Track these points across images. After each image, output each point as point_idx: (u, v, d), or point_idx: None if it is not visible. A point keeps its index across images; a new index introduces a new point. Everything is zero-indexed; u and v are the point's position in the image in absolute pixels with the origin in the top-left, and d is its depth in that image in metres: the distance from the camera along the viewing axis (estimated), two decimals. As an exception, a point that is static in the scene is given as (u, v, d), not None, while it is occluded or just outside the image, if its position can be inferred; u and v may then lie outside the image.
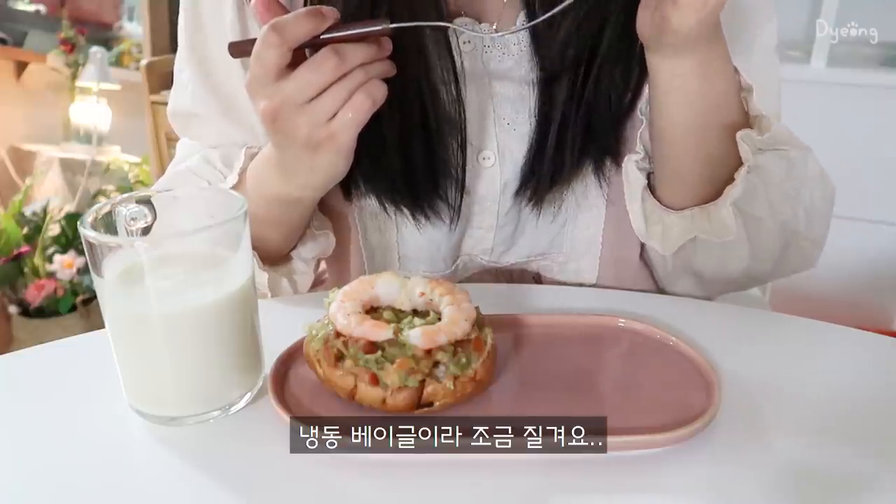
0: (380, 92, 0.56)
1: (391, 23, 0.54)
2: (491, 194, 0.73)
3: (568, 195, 0.73)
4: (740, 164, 0.64)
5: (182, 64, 0.75)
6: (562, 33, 0.65)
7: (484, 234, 0.76)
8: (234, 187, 0.68)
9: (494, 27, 0.69)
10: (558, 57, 0.66)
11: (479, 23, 0.69)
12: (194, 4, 0.73)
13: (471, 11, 0.69)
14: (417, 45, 0.65)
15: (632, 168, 0.69)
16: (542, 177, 0.70)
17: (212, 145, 0.77)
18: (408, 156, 0.68)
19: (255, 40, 0.55)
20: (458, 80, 0.67)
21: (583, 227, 0.76)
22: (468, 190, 0.73)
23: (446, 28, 0.64)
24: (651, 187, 0.71)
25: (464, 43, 0.69)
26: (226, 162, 0.74)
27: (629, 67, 0.67)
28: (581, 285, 0.78)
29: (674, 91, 0.62)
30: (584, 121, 0.68)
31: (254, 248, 0.71)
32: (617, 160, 0.71)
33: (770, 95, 0.75)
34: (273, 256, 0.72)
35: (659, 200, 0.70)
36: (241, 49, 0.57)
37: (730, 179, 0.64)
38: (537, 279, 0.80)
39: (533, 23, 0.65)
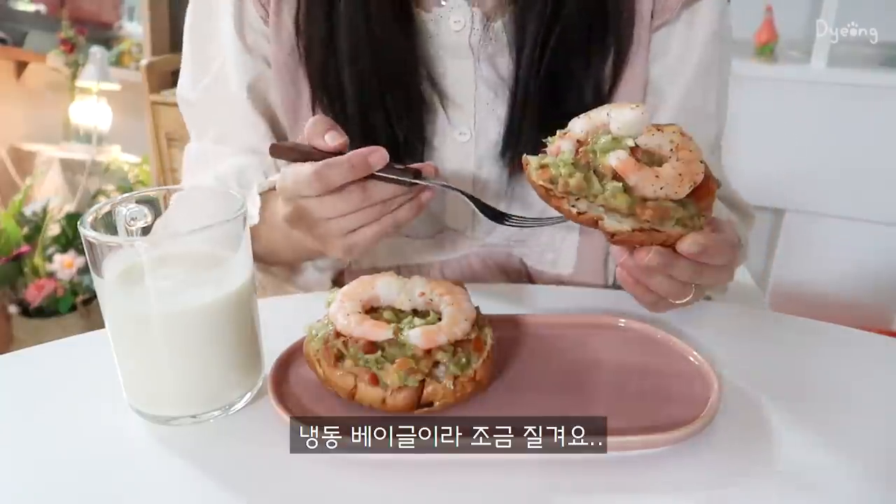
0: (406, 217, 0.59)
1: (420, 179, 0.58)
2: (465, 169, 0.76)
3: None
4: None
5: (185, 46, 0.78)
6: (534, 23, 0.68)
7: (462, 210, 0.77)
8: (255, 227, 0.71)
9: (482, 11, 0.71)
10: (526, 26, 0.68)
11: (472, 6, 0.71)
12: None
13: None
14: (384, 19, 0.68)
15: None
16: (515, 143, 0.72)
17: (215, 138, 0.78)
18: (376, 104, 0.71)
19: (295, 150, 0.59)
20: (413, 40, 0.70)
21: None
22: (441, 160, 0.75)
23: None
24: None
25: (454, 22, 0.71)
26: (241, 181, 0.74)
27: (605, 49, 0.69)
28: (559, 276, 0.80)
29: None
30: (553, 95, 0.69)
31: (266, 260, 0.76)
32: None
33: (705, 119, 0.77)
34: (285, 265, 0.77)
35: None
36: (281, 154, 0.60)
37: None
38: (523, 265, 0.82)
39: None
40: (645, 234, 0.49)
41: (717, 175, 0.78)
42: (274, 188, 0.72)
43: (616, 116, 0.50)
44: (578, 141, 0.51)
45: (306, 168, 0.56)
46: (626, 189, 0.48)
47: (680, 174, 0.48)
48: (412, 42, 0.70)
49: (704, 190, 0.50)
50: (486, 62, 0.72)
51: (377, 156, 0.56)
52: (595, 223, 0.50)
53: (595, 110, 0.52)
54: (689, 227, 0.49)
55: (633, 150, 0.49)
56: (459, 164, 0.76)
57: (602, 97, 0.71)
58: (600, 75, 0.70)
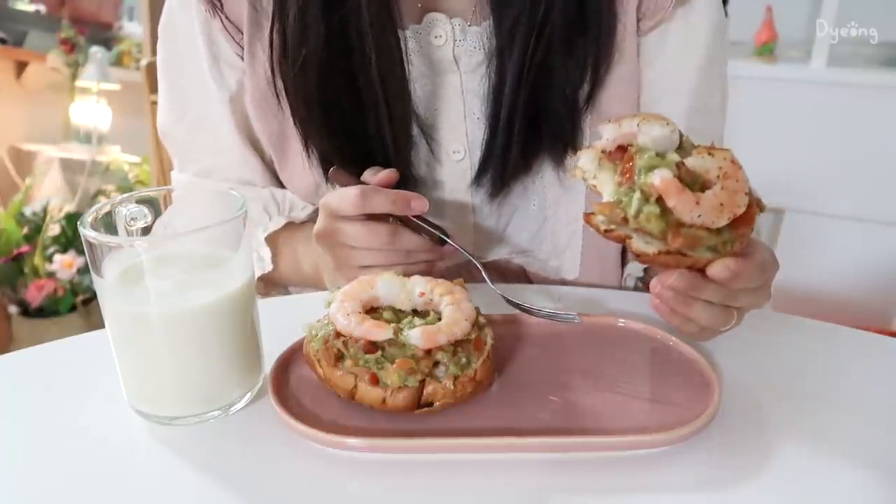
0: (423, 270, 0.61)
1: (448, 238, 0.63)
2: (462, 188, 0.74)
3: (540, 189, 0.74)
4: None
5: (160, 83, 0.81)
6: (511, 23, 0.66)
7: (462, 228, 0.77)
8: (271, 272, 0.74)
9: (468, 23, 0.70)
10: (507, 42, 0.67)
11: (451, 18, 0.70)
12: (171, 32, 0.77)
13: (444, 7, 0.70)
14: (363, 32, 0.66)
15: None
16: (495, 167, 0.71)
17: (197, 172, 0.80)
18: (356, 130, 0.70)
19: (351, 180, 0.64)
20: (405, 64, 0.68)
21: (563, 223, 0.76)
22: (439, 183, 0.74)
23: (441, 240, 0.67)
24: None
25: (435, 38, 0.70)
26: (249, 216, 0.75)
27: (584, 61, 0.68)
28: (563, 281, 0.79)
29: None
30: (532, 110, 0.68)
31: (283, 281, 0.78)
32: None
33: (712, 116, 0.75)
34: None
35: None
36: (337, 179, 0.66)
37: None
38: (522, 270, 0.81)
39: None
40: (671, 258, 0.48)
41: None
42: (281, 229, 0.75)
43: (646, 130, 0.48)
44: (620, 147, 0.49)
45: (353, 189, 0.60)
46: (663, 210, 0.46)
47: (721, 204, 0.46)
48: (399, 65, 0.68)
49: (745, 217, 0.48)
50: (471, 74, 0.71)
51: (419, 203, 0.61)
52: (623, 240, 0.49)
53: (626, 119, 0.50)
54: (720, 252, 0.48)
55: (679, 168, 0.47)
56: (457, 184, 0.75)
57: (578, 107, 0.69)
58: (578, 84, 0.69)
